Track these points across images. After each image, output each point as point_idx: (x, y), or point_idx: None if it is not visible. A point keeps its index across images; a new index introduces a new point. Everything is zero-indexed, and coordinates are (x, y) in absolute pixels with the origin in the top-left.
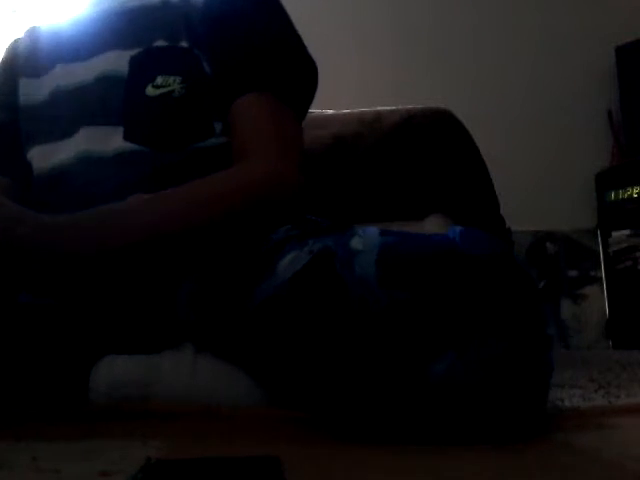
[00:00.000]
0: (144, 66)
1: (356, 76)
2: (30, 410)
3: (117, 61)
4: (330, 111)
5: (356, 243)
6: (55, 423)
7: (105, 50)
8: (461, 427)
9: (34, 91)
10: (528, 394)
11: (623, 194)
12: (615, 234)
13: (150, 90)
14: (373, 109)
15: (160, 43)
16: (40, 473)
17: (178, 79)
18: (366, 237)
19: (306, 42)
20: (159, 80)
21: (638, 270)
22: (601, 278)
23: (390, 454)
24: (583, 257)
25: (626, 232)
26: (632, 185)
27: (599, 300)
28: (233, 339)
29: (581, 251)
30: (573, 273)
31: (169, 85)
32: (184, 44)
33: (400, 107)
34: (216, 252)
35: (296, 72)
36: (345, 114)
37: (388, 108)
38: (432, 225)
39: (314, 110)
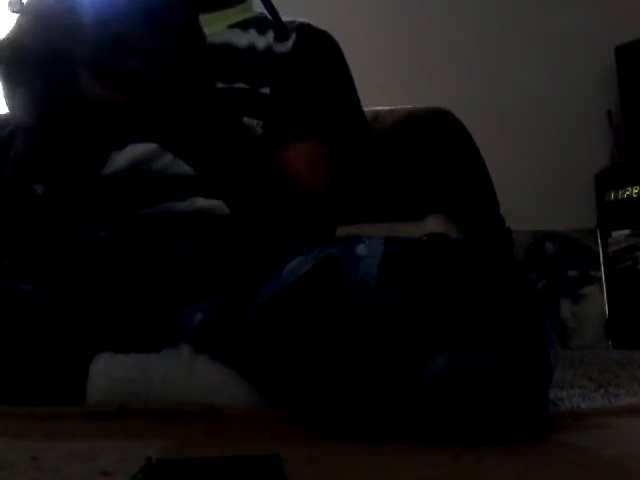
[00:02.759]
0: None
1: (355, 76)
2: (28, 407)
3: None
4: None
5: (361, 250)
6: (55, 422)
7: None
8: (460, 426)
9: None
10: (525, 394)
11: (623, 194)
12: (615, 234)
13: None
14: (372, 109)
15: (241, 85)
16: (40, 473)
17: (260, 123)
18: (371, 244)
19: None
20: (244, 121)
21: (638, 270)
22: (601, 278)
23: (391, 453)
24: (583, 257)
25: (626, 232)
26: (632, 185)
27: (599, 300)
28: (231, 339)
29: (581, 251)
30: (573, 273)
31: (252, 127)
32: (265, 90)
33: (400, 107)
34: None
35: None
36: None
37: (387, 108)
38: (432, 225)
39: None
